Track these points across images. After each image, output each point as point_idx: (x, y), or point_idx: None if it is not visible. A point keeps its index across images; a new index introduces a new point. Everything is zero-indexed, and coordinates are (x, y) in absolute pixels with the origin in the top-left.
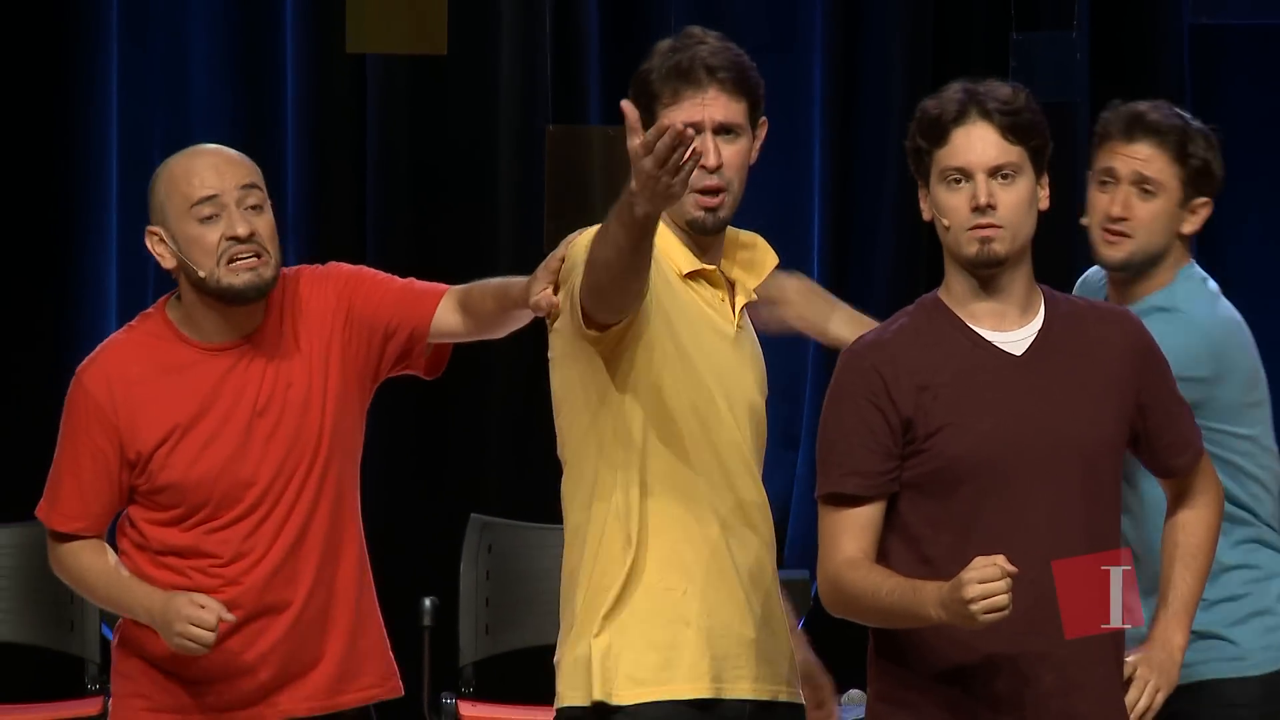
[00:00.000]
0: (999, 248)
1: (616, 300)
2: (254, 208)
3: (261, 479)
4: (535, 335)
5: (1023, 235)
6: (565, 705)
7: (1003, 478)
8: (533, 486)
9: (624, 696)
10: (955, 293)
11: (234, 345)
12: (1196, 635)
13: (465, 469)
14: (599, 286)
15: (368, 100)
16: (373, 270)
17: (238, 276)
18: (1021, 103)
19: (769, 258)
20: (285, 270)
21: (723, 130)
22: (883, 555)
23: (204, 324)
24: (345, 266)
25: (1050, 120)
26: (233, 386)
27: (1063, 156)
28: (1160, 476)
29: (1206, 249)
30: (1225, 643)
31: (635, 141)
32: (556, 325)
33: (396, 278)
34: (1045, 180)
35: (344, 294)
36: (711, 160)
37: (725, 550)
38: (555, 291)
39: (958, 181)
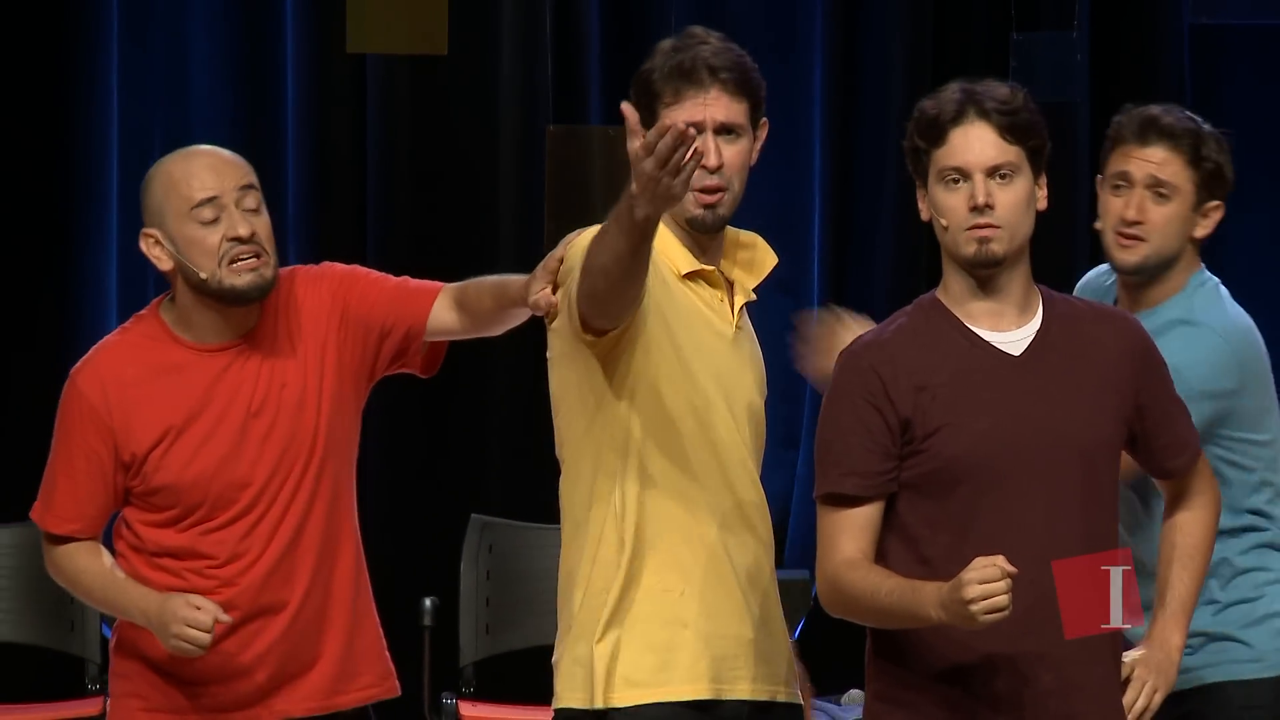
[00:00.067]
0: (997, 247)
1: (613, 306)
2: (252, 209)
3: (257, 480)
4: (536, 335)
5: (1021, 235)
6: (563, 706)
7: (1000, 478)
8: (533, 486)
9: (622, 698)
10: (953, 292)
11: (229, 346)
12: (1209, 638)
13: (465, 469)
14: (596, 293)
15: (368, 100)
16: (366, 269)
17: (240, 277)
18: (1019, 102)
19: (769, 258)
20: (280, 270)
21: (724, 130)
22: (881, 555)
23: (200, 325)
24: (339, 266)
25: (1050, 120)
26: (227, 387)
27: (1062, 157)
28: (1157, 478)
29: (1207, 249)
30: (1239, 645)
31: (636, 144)
32: (555, 325)
33: (391, 276)
34: (1043, 180)
35: (339, 294)
36: (712, 160)
37: (723, 551)
38: (554, 291)
39: (956, 181)
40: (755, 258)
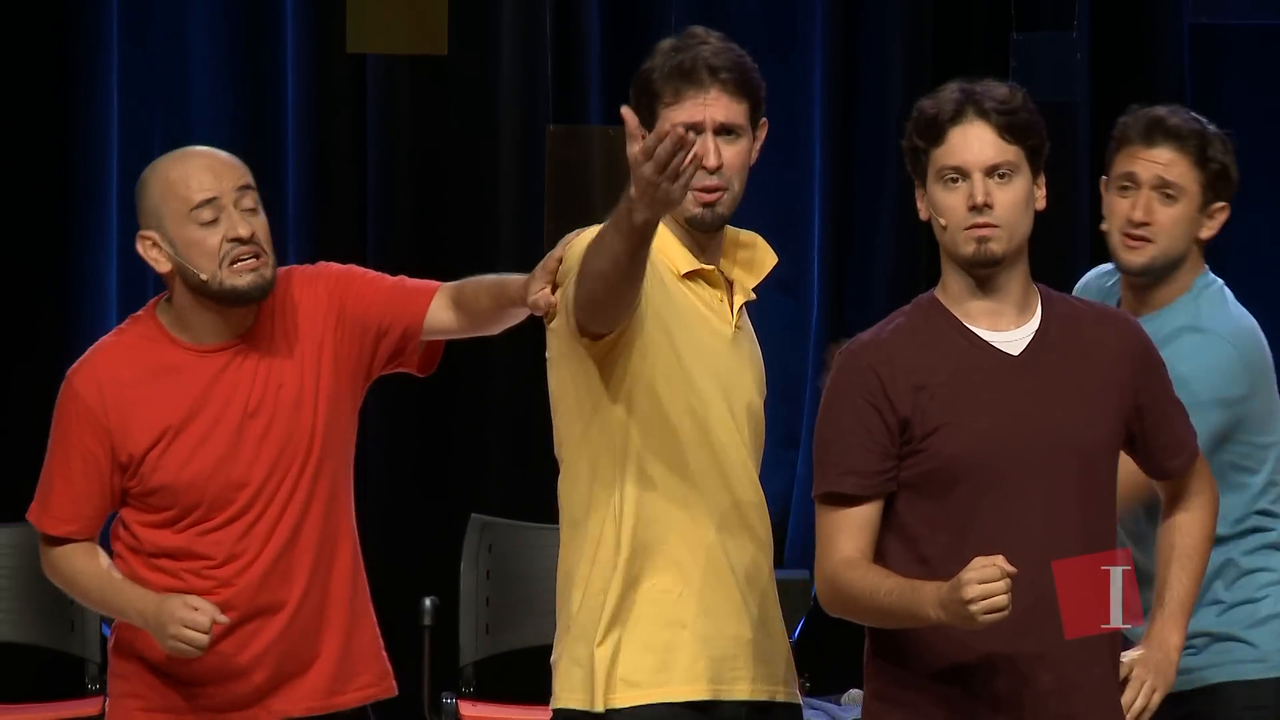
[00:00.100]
0: (996, 247)
1: (610, 311)
2: (250, 209)
3: (254, 480)
4: (535, 335)
5: (1019, 235)
6: (561, 707)
7: (999, 477)
8: (533, 486)
9: (620, 699)
10: (952, 292)
11: (225, 347)
12: (1213, 638)
13: (465, 469)
14: (593, 298)
15: (368, 100)
16: (363, 269)
17: (241, 278)
18: (1018, 102)
19: (768, 257)
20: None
21: (724, 131)
22: (880, 555)
23: (197, 326)
24: (335, 266)
25: (1050, 120)
26: (224, 388)
27: (1062, 157)
28: (1155, 478)
29: (1207, 248)
30: (1244, 645)
31: (635, 148)
32: (553, 326)
33: (387, 275)
34: (1042, 180)
35: (335, 293)
36: (712, 160)
37: (721, 551)
38: (553, 291)
39: (954, 181)
40: (755, 257)
